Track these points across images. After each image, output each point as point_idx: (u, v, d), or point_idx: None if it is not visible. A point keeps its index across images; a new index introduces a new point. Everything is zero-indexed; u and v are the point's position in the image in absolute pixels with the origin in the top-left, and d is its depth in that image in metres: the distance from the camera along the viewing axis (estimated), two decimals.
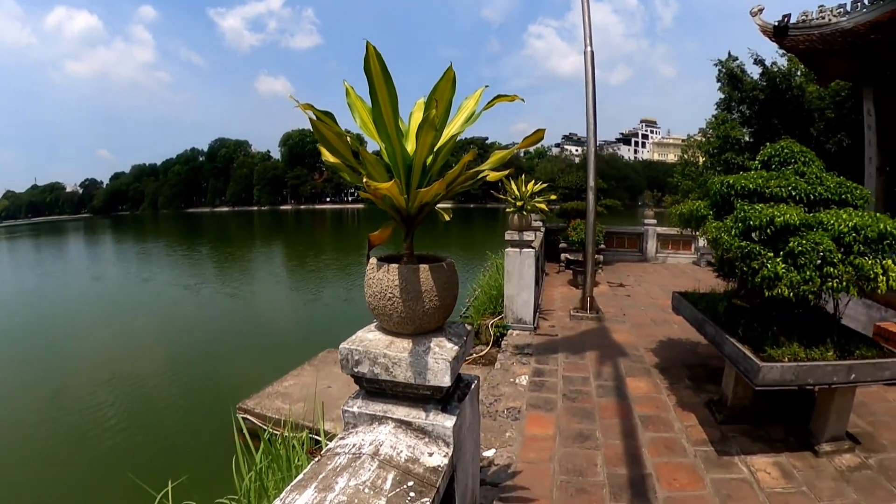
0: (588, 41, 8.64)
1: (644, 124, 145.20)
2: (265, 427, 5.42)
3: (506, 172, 2.08)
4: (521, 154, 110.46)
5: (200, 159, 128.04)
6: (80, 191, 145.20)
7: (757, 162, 5.40)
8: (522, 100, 1.95)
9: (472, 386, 2.36)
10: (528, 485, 3.96)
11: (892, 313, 7.14)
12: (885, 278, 3.83)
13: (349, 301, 18.67)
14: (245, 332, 14.75)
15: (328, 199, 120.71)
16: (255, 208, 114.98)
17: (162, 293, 20.62)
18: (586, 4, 8.71)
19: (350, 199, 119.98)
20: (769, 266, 4.02)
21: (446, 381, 1.93)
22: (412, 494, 1.76)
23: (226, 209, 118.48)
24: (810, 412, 4.74)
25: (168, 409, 9.08)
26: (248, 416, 6.79)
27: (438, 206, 2.14)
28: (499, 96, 1.93)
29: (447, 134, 2.02)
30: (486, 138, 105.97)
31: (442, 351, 1.97)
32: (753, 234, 4.32)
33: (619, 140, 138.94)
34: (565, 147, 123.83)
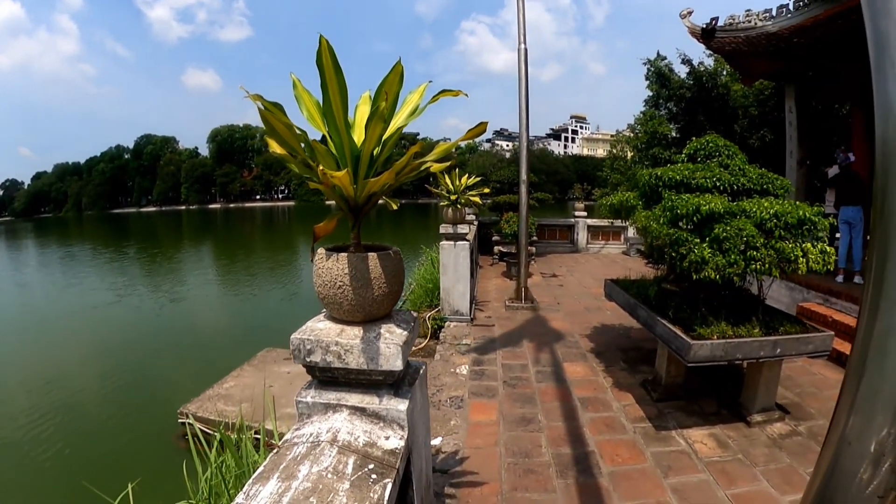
0: (522, 38, 8.78)
1: (574, 120, 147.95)
2: (209, 430, 5.32)
3: (447, 164, 2.15)
4: (454, 149, 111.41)
5: (126, 157, 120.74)
6: (1, 192, 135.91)
7: (684, 155, 5.69)
8: (466, 94, 2.02)
9: (421, 371, 2.42)
10: (477, 469, 4.06)
11: (813, 294, 7.72)
12: (804, 260, 4.16)
13: (284, 299, 18.39)
14: (179, 335, 14.24)
15: (258, 197, 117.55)
16: (184, 207, 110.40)
17: (90, 298, 19.58)
18: (521, 2, 8.84)
19: (280, 196, 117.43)
20: (696, 251, 4.26)
21: (398, 365, 1.98)
22: (374, 476, 1.82)
23: (153, 209, 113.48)
24: (740, 386, 5.07)
25: (109, 419, 8.66)
26: (192, 421, 6.64)
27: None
28: (443, 91, 2.00)
29: (393, 126, 2.06)
30: (418, 133, 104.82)
31: (392, 336, 2.02)
32: (681, 223, 4.57)
33: (549, 135, 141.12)
34: (496, 142, 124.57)
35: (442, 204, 8.69)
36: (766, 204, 4.44)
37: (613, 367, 6.17)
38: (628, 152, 24.70)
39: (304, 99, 2.06)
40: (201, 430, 5.33)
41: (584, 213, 17.40)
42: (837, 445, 1.18)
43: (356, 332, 2.04)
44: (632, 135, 24.22)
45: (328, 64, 1.78)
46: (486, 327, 8.04)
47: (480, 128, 2.00)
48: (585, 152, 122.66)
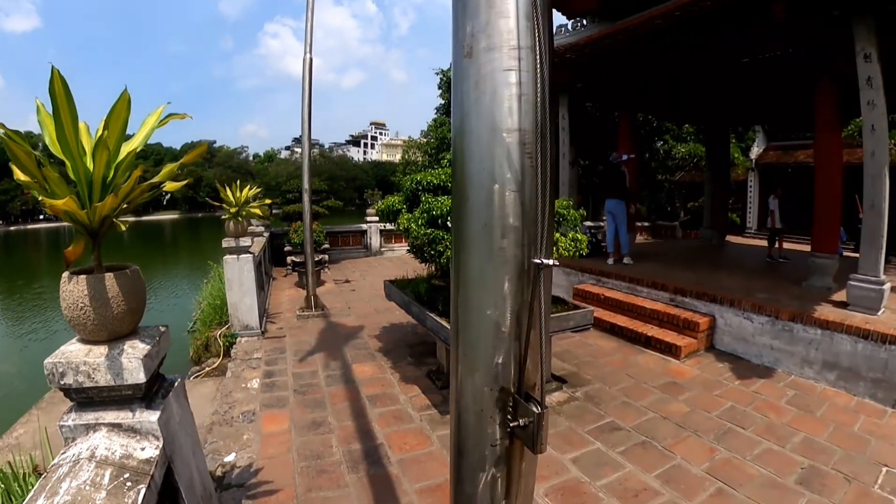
0: (308, 48, 8.74)
1: (374, 126, 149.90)
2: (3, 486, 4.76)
3: (184, 183, 2.30)
4: (251, 158, 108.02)
5: None
6: None
7: (445, 160, 6.24)
8: (191, 117, 2.20)
9: (176, 383, 2.55)
10: (272, 478, 4.13)
11: (588, 276, 9.19)
12: (555, 248, 4.83)
13: (69, 331, 16.52)
14: None
15: (41, 217, 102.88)
16: None
17: None
18: (311, 13, 8.76)
19: None
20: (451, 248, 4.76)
21: (141, 377, 2.11)
22: (129, 484, 1.97)
23: None
24: None
25: None
26: None
27: (121, 218, 2.22)
28: (171, 115, 2.17)
29: (126, 150, 2.16)
30: (215, 141, 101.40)
31: (135, 351, 2.14)
32: (439, 222, 5.06)
33: (349, 142, 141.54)
34: (295, 150, 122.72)
35: (224, 217, 8.52)
36: None
37: (401, 363, 6.55)
38: (419, 157, 25.78)
39: (46, 125, 2.08)
40: None
41: (376, 218, 17.54)
42: (456, 403, 1.58)
43: (102, 350, 2.12)
44: (424, 140, 25.33)
45: (60, 92, 1.87)
46: (278, 339, 8.01)
47: (200, 149, 2.20)
48: (385, 158, 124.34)
